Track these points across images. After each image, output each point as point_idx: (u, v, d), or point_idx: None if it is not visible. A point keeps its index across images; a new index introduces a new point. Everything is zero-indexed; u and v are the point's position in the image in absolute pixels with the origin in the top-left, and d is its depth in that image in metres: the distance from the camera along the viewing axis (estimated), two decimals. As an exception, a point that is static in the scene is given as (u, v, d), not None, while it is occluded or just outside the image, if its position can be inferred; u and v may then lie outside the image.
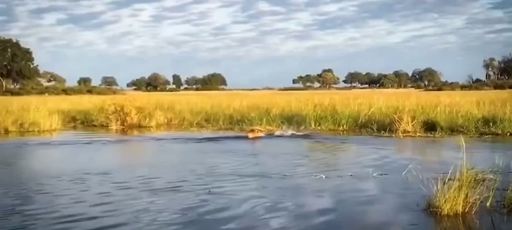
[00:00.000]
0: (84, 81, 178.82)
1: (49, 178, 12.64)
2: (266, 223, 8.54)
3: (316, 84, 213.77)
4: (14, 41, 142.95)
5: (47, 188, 11.40)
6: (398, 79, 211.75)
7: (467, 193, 8.83)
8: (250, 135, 23.50)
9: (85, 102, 42.80)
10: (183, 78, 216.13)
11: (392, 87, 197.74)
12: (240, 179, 12.44)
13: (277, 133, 24.89)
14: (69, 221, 8.61)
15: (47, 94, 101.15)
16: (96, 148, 20.83)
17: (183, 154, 18.39)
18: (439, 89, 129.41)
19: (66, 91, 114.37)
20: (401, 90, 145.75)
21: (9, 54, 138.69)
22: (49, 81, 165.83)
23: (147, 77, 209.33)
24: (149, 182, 11.97)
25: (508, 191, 9.17)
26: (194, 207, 9.53)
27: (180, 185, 11.61)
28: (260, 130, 24.58)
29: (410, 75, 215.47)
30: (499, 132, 23.24)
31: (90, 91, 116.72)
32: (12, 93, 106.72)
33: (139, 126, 30.91)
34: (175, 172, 13.67)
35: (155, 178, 12.62)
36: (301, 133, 24.47)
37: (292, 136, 23.96)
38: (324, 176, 12.58)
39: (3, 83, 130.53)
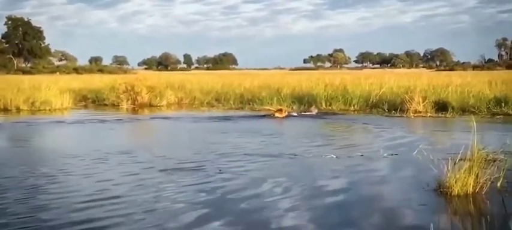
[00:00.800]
0: (95, 60, 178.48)
1: (70, 158, 12.70)
2: (275, 205, 8.57)
3: (327, 64, 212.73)
4: (26, 19, 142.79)
5: (69, 168, 11.43)
6: (410, 60, 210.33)
7: (477, 173, 8.82)
8: (278, 114, 23.74)
9: (96, 81, 42.87)
10: (193, 58, 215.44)
11: (403, 67, 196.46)
12: (256, 159, 12.48)
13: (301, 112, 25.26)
14: (95, 200, 8.63)
15: (58, 73, 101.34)
16: (110, 127, 20.92)
17: (207, 133, 18.36)
18: (451, 69, 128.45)
19: (77, 70, 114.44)
20: (412, 70, 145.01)
21: (20, 32, 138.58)
22: (60, 60, 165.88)
23: (158, 56, 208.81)
24: (172, 162, 12.02)
25: (519, 172, 9.16)
26: (214, 187, 9.59)
27: (202, 165, 11.65)
28: (284, 110, 24.72)
29: (421, 55, 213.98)
30: (511, 112, 23.14)
31: (101, 71, 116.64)
32: (24, 71, 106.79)
33: (150, 105, 31.00)
34: (196, 152, 13.72)
35: (176, 158, 12.67)
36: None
37: (317, 115, 24.51)
38: (334, 156, 12.59)
39: (15, 62, 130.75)
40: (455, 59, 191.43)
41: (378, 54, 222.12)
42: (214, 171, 10.86)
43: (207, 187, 9.49)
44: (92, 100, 33.68)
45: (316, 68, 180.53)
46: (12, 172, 10.82)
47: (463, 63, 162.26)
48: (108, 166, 11.55)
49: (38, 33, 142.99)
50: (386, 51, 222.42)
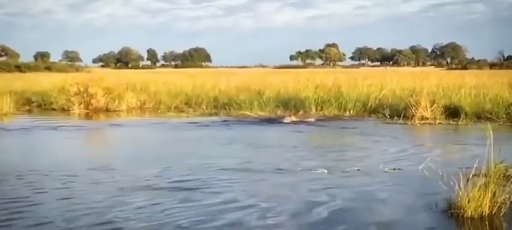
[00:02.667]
0: (42, 56, 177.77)
1: (27, 174, 12.61)
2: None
3: (318, 61, 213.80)
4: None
5: (32, 186, 11.41)
6: (416, 56, 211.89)
7: (494, 191, 8.86)
8: (294, 118, 24.38)
9: (43, 81, 42.56)
10: (159, 53, 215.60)
11: (408, 65, 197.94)
12: (234, 174, 12.50)
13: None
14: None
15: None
16: (66, 135, 20.96)
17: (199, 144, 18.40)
18: (464, 68, 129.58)
19: (20, 68, 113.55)
20: (419, 68, 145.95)
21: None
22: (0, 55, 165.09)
23: (116, 52, 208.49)
24: (160, 180, 12.00)
25: (543, 190, 9.20)
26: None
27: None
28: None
29: (429, 51, 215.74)
30: (534, 119, 23.36)
31: (48, 68, 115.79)
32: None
33: (106, 110, 30.87)
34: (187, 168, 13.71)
35: (165, 175, 12.64)
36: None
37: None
38: (325, 171, 12.61)
39: None
40: (468, 56, 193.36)
41: (377, 49, 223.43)
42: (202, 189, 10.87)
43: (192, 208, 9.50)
44: (38, 104, 33.45)
45: (305, 66, 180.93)
46: None
47: (478, 60, 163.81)
48: (79, 185, 11.46)
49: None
50: (388, 46, 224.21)
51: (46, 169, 12.94)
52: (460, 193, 8.82)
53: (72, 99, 31.43)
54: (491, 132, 9.14)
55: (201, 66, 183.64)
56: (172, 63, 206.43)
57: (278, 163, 13.74)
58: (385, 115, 25.75)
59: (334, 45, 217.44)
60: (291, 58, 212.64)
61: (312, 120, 24.96)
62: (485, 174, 8.98)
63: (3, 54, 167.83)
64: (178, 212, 9.29)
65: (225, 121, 25.24)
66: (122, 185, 11.19)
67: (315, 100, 28.41)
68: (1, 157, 15.92)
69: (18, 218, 8.97)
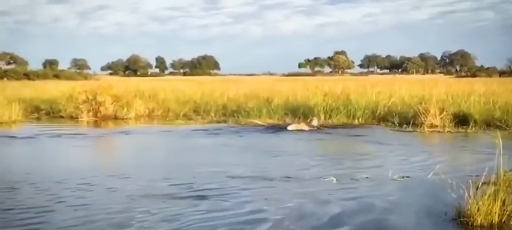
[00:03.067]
0: (50, 63, 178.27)
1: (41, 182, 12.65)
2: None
3: (327, 69, 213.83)
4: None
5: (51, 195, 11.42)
6: (425, 64, 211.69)
7: (504, 199, 8.84)
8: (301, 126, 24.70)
9: (51, 89, 42.68)
10: (168, 61, 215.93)
11: (417, 72, 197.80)
12: (242, 182, 12.51)
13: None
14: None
15: (5, 79, 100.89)
16: (77, 143, 20.95)
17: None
18: (473, 75, 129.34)
19: (28, 76, 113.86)
20: (428, 76, 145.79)
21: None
22: (8, 63, 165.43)
23: (125, 60, 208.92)
24: (177, 188, 12.01)
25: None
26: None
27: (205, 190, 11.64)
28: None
29: (438, 58, 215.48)
30: (545, 127, 23.29)
31: (57, 76, 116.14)
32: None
33: (115, 118, 30.89)
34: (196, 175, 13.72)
35: (183, 182, 12.65)
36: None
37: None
38: (334, 180, 12.60)
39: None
40: (478, 64, 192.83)
41: (386, 57, 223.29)
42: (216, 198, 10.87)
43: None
44: (46, 112, 33.50)
45: (314, 74, 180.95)
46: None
47: (488, 68, 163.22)
48: (96, 193, 11.45)
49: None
50: (397, 53, 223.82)
51: (61, 177, 12.94)
52: (470, 201, 8.81)
53: (80, 106, 31.44)
54: (500, 140, 9.12)
55: (210, 74, 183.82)
56: (181, 70, 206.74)
57: (287, 171, 13.72)
58: (394, 123, 25.73)
59: (342, 52, 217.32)
60: (300, 65, 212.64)
61: (315, 127, 24.96)
62: (494, 182, 8.96)
63: (12, 61, 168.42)
64: (200, 222, 9.29)
65: (233, 127, 25.29)
66: (140, 193, 11.20)
67: (323, 107, 28.38)
68: (15, 165, 15.95)
69: (39, 229, 9.00)
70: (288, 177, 12.97)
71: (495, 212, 8.74)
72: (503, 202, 8.81)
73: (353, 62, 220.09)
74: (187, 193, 11.29)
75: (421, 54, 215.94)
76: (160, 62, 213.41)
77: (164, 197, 10.87)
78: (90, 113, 31.17)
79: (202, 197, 10.86)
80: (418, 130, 23.65)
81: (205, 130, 24.74)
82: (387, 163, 15.17)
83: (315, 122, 25.53)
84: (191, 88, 42.97)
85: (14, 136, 22.48)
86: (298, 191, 11.56)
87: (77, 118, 30.82)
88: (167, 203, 10.46)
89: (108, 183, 12.31)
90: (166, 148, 19.89)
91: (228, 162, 15.79)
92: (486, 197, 8.76)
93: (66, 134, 23.20)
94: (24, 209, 10.04)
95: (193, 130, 24.89)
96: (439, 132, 23.38)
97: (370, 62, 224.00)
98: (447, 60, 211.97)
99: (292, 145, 19.88)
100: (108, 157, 18.91)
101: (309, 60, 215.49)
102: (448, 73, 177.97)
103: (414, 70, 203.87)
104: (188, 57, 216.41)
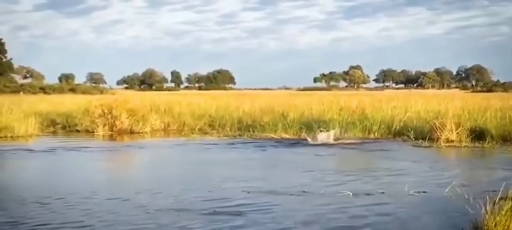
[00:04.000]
0: (66, 78, 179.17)
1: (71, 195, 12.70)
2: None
3: (342, 84, 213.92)
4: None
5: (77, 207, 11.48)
6: (441, 79, 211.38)
7: (521, 215, 8.80)
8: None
9: (67, 103, 42.92)
10: (183, 75, 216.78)
11: (433, 87, 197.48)
12: (256, 196, 12.52)
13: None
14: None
15: (22, 93, 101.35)
16: (96, 157, 21.05)
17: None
18: (490, 90, 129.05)
19: (44, 90, 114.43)
20: (443, 91, 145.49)
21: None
22: (25, 77, 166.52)
23: (140, 74, 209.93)
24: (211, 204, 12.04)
25: None
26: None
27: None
28: None
29: (454, 73, 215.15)
30: (561, 142, 23.18)
31: (73, 90, 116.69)
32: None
33: (130, 132, 30.98)
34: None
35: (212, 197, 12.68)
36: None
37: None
38: (350, 194, 12.59)
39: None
40: (494, 78, 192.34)
41: (402, 72, 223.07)
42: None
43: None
44: (62, 126, 33.63)
45: (329, 88, 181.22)
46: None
47: (504, 83, 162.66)
48: (127, 209, 11.43)
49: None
50: (412, 68, 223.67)
51: (88, 191, 13.03)
52: (486, 217, 8.77)
53: (96, 120, 31.54)
54: (517, 155, 9.10)
55: (225, 88, 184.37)
56: (196, 85, 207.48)
57: (303, 185, 13.72)
58: (410, 138, 25.66)
59: (358, 67, 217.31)
60: (315, 80, 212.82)
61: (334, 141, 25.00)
62: (511, 198, 8.92)
63: (28, 75, 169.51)
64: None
65: (252, 142, 25.35)
66: (173, 209, 11.22)
67: (339, 122, 28.33)
68: (39, 179, 16.06)
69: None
70: (305, 192, 12.98)
71: (512, 228, 8.70)
72: (521, 218, 8.76)
73: (368, 77, 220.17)
74: (218, 208, 11.28)
75: (437, 69, 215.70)
76: (176, 76, 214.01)
77: (197, 213, 10.90)
78: (106, 127, 31.27)
79: (240, 214, 10.89)
80: (434, 145, 23.58)
81: (230, 144, 24.87)
82: (403, 178, 15.13)
83: (325, 136, 25.42)
84: (206, 102, 43.06)
85: (33, 150, 22.63)
86: (314, 203, 11.58)
87: (93, 132, 30.91)
88: (201, 219, 10.49)
89: (137, 198, 12.33)
90: (190, 162, 19.89)
91: (252, 177, 15.83)
92: (503, 212, 8.72)
93: (86, 148, 23.35)
94: (60, 224, 10.06)
95: (214, 143, 24.98)
96: (455, 146, 23.31)
97: (385, 77, 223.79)
98: (463, 75, 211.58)
99: (311, 160, 19.90)
100: (134, 171, 18.89)
101: (324, 75, 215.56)
102: (464, 88, 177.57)
103: (430, 85, 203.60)
104: (204, 71, 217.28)
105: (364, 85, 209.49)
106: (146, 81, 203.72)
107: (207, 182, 14.53)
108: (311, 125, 28.40)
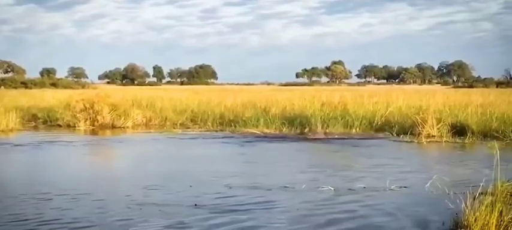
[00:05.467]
0: (48, 72, 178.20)
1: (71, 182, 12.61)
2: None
3: (324, 79, 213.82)
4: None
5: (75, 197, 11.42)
6: (422, 74, 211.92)
7: (501, 210, 8.83)
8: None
9: (48, 98, 42.67)
10: (165, 70, 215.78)
11: (414, 83, 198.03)
12: (237, 191, 12.51)
13: None
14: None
15: (2, 87, 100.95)
16: (83, 150, 20.92)
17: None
18: (471, 86, 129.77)
19: (26, 84, 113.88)
20: (425, 86, 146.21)
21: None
22: (6, 72, 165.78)
23: (122, 68, 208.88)
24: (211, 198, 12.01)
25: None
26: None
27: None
28: None
29: (436, 69, 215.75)
30: (542, 138, 23.30)
31: (54, 85, 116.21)
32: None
33: (112, 127, 30.88)
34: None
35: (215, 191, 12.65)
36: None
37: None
38: (332, 189, 12.61)
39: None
40: (475, 74, 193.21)
41: (383, 67, 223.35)
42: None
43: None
44: (43, 120, 33.43)
45: (311, 84, 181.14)
46: None
47: (485, 79, 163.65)
48: (111, 202, 11.44)
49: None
50: (394, 64, 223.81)
51: (68, 186, 12.96)
52: (467, 212, 8.81)
53: (78, 115, 31.43)
54: (497, 151, 9.14)
55: (207, 83, 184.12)
56: (178, 79, 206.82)
57: (284, 180, 13.72)
58: (392, 133, 25.73)
59: (340, 62, 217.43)
60: (297, 75, 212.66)
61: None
62: (492, 193, 8.97)
63: (9, 70, 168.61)
64: None
65: (233, 137, 25.37)
66: (153, 202, 11.24)
67: (321, 117, 28.32)
68: (19, 175, 16.02)
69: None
70: (286, 187, 12.99)
71: (492, 223, 8.73)
72: (501, 213, 8.79)
73: (350, 72, 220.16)
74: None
75: (418, 64, 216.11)
76: (158, 71, 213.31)
77: (180, 207, 10.93)
78: (88, 122, 31.17)
79: (220, 208, 10.87)
80: (416, 141, 23.66)
81: (212, 138, 24.88)
82: (384, 173, 15.17)
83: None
84: (188, 97, 42.99)
85: (13, 144, 22.51)
86: (294, 200, 11.59)
87: (74, 126, 30.80)
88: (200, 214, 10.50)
89: (121, 193, 12.32)
90: (171, 157, 19.85)
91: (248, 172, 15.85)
92: (483, 207, 8.76)
93: (68, 142, 23.29)
94: (38, 220, 10.00)
95: (195, 138, 24.98)
96: (436, 142, 23.40)
97: (367, 72, 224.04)
98: (444, 71, 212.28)
99: (292, 155, 19.92)
100: (115, 166, 18.83)
101: (306, 70, 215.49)
102: (445, 83, 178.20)
103: (411, 81, 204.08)
104: (186, 66, 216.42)
105: (346, 81, 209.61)
106: (128, 76, 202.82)
107: (188, 176, 14.51)
108: (293, 120, 28.43)
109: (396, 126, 26.32)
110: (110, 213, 10.38)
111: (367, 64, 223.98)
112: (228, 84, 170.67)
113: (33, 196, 11.76)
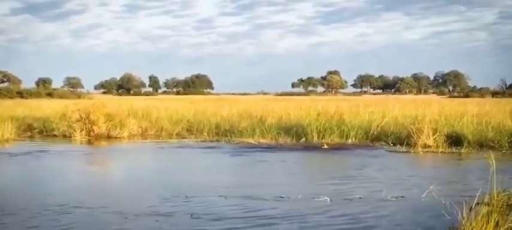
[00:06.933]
0: (44, 82, 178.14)
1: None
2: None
3: (320, 89, 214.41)
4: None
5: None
6: (418, 84, 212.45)
7: (497, 220, 8.83)
8: None
9: (44, 108, 42.66)
10: (161, 80, 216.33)
11: (410, 92, 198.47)
12: (232, 201, 12.50)
13: None
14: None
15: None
16: (86, 159, 20.88)
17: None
18: (466, 96, 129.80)
19: (21, 94, 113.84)
20: (421, 96, 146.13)
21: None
22: (1, 81, 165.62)
23: (118, 78, 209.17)
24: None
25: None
26: None
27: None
28: None
29: (431, 78, 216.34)
30: (537, 148, 23.32)
31: (50, 95, 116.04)
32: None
33: (108, 137, 30.82)
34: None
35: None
36: None
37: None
38: (328, 199, 12.60)
39: None
40: (471, 84, 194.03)
41: (379, 77, 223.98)
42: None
43: None
44: (39, 130, 33.40)
45: (307, 93, 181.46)
46: None
47: (481, 88, 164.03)
48: (107, 213, 11.40)
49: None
50: (390, 74, 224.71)
51: (64, 197, 12.93)
52: (463, 222, 8.81)
53: (73, 125, 31.36)
54: (493, 161, 9.14)
55: (203, 93, 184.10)
56: (174, 89, 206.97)
57: (280, 190, 13.70)
58: (388, 143, 25.74)
59: (336, 72, 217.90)
60: (293, 85, 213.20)
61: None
62: (488, 203, 8.98)
63: (5, 80, 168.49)
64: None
65: (229, 147, 25.35)
66: (149, 213, 11.20)
67: (316, 127, 28.31)
68: (14, 184, 15.96)
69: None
70: (280, 196, 12.98)
71: (488, 233, 8.74)
72: (497, 223, 8.79)
73: (346, 82, 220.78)
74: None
75: (414, 74, 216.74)
76: (154, 81, 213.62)
77: (177, 218, 10.89)
78: (84, 132, 31.07)
79: (218, 219, 10.84)
80: (412, 151, 23.65)
81: (208, 148, 24.83)
82: (381, 183, 15.17)
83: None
84: (184, 107, 42.92)
85: (8, 154, 22.45)
86: (291, 209, 11.58)
87: (70, 136, 30.72)
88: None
89: (117, 204, 12.26)
90: (167, 167, 19.86)
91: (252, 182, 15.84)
92: (479, 218, 8.76)
93: (64, 152, 23.25)
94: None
95: (191, 148, 24.95)
96: (432, 152, 23.39)
97: (363, 82, 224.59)
98: (440, 81, 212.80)
99: (290, 165, 19.92)
100: (111, 177, 18.81)
101: (302, 80, 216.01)
102: (441, 93, 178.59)
103: (407, 91, 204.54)
104: (181, 76, 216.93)
105: (341, 91, 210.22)
106: (124, 86, 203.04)
107: (184, 187, 14.48)
108: (289, 130, 28.42)
109: (392, 136, 26.36)
110: (105, 224, 10.35)
111: (362, 74, 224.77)
112: (224, 93, 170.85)
113: (26, 207, 11.73)
